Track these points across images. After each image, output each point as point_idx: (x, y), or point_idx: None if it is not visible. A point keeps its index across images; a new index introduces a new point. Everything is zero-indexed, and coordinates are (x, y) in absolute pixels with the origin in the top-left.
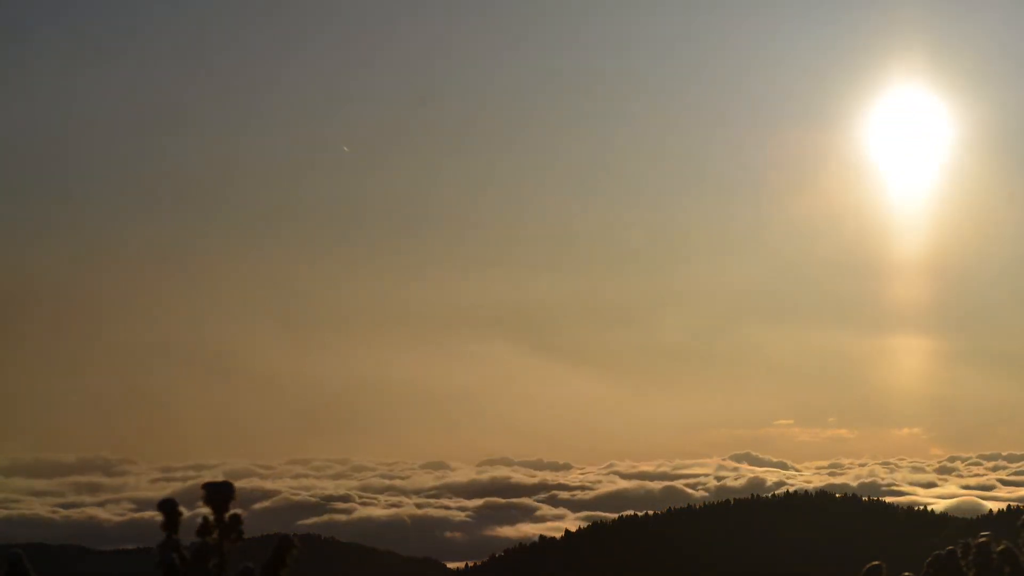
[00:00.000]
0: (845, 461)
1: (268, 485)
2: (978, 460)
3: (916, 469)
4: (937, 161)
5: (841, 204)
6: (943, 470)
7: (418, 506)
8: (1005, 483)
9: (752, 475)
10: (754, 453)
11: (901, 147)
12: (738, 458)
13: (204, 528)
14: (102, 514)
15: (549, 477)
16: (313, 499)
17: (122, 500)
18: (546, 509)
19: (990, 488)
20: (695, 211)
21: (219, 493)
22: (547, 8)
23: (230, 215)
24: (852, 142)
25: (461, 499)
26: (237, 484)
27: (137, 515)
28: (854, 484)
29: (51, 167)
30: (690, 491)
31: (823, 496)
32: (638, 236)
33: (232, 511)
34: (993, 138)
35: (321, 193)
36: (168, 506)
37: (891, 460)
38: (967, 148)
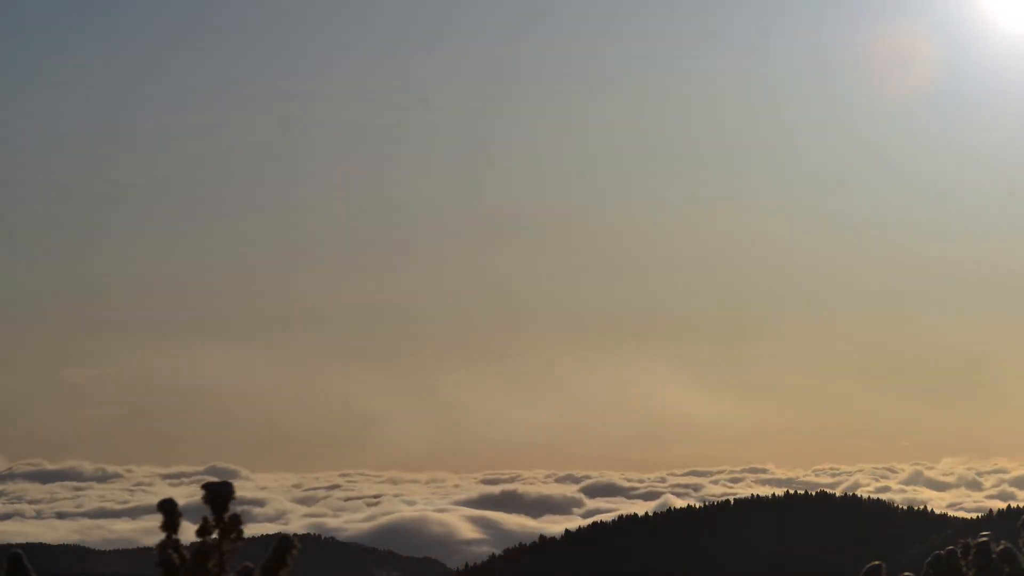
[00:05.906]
0: None
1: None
2: None
3: None
4: None
5: None
6: None
7: None
8: None
9: None
10: None
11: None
12: None
13: (204, 528)
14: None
15: None
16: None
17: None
18: None
19: None
20: None
21: (219, 493)
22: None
23: (234, 217)
24: None
25: None
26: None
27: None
28: None
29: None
30: None
31: (823, 496)
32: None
33: (232, 511)
34: None
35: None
36: (168, 506)
37: None
38: None
